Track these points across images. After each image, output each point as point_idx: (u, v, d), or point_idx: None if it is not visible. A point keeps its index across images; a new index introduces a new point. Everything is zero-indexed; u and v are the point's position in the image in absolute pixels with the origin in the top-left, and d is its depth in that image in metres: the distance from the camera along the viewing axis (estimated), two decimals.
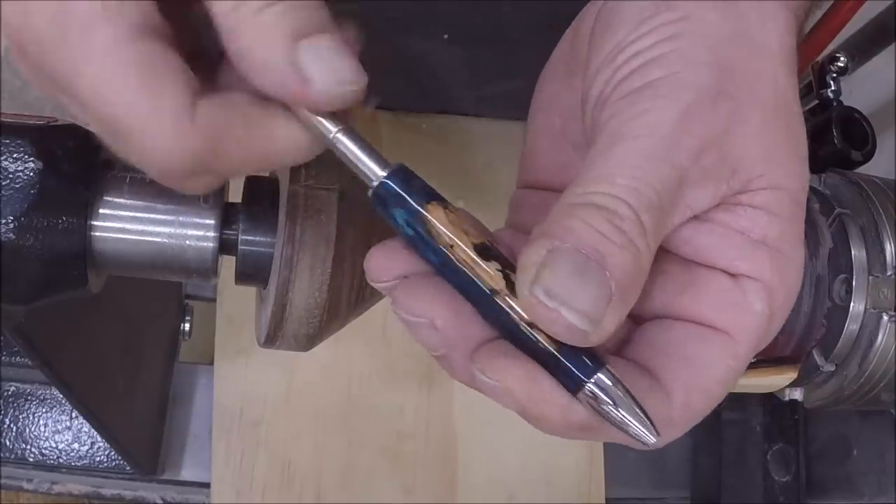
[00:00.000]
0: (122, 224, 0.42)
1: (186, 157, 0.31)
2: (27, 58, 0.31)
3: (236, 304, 0.88)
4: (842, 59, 0.79)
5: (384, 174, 0.33)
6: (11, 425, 0.83)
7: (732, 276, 0.34)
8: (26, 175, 0.40)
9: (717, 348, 0.33)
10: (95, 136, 0.33)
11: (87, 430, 0.84)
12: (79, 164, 0.41)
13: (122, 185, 0.42)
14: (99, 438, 0.83)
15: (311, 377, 0.88)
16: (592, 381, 0.31)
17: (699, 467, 0.93)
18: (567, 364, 0.31)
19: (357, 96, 0.32)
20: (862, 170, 0.67)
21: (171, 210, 0.42)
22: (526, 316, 0.31)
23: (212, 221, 0.43)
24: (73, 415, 0.84)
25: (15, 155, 0.40)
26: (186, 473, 0.87)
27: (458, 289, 0.32)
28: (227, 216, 0.44)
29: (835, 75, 0.78)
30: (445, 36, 0.81)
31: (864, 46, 0.83)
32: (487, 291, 0.32)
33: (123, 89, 0.30)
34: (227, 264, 0.45)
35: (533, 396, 0.31)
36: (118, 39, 0.29)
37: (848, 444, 0.94)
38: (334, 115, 0.33)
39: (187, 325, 0.90)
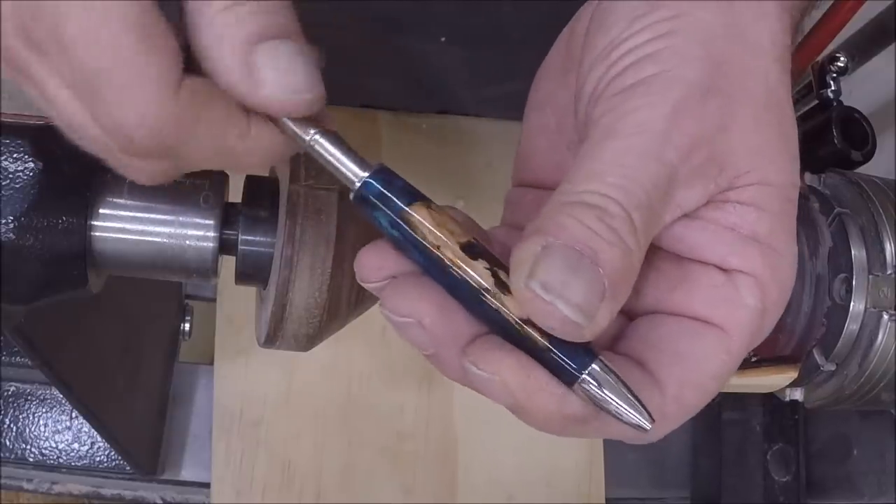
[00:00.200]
0: (122, 224, 0.42)
1: (158, 126, 0.30)
2: None
3: (236, 304, 0.88)
4: (842, 59, 0.79)
5: (365, 175, 0.32)
6: (11, 425, 0.83)
7: (725, 271, 0.34)
8: (26, 175, 0.40)
9: (711, 343, 0.33)
10: None
11: (87, 430, 0.84)
12: (79, 164, 0.41)
13: (122, 185, 0.42)
14: (99, 438, 0.83)
15: (311, 377, 0.88)
16: (587, 371, 0.31)
17: (699, 467, 0.93)
18: (561, 356, 0.31)
19: (311, 106, 0.31)
20: (862, 170, 0.67)
21: (171, 210, 0.42)
22: (517, 312, 0.31)
23: (212, 221, 0.43)
24: (73, 415, 0.84)
25: (15, 155, 0.40)
26: (186, 473, 0.87)
27: (447, 288, 0.32)
28: (227, 216, 0.44)
29: (835, 75, 0.78)
30: (443, 39, 0.81)
31: (864, 46, 0.83)
32: (476, 289, 0.32)
33: (118, 36, 0.29)
34: (227, 264, 0.45)
35: (528, 387, 0.31)
36: None
37: (848, 444, 0.94)
38: (310, 118, 0.32)
39: (187, 325, 0.90)
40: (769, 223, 0.34)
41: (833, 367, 0.54)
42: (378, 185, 0.32)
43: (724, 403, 0.90)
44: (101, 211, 0.42)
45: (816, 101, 0.79)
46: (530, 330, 0.31)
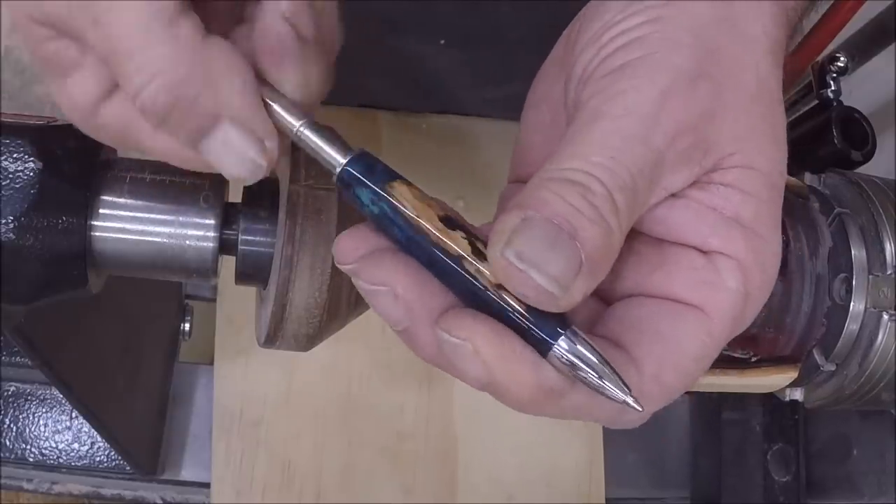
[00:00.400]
0: (122, 224, 0.42)
1: (177, 77, 0.32)
2: None
3: (236, 304, 0.88)
4: (842, 59, 0.79)
5: (349, 157, 0.34)
6: (11, 425, 0.83)
7: (705, 253, 0.34)
8: (26, 175, 0.40)
9: (691, 324, 0.33)
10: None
11: (87, 430, 0.84)
12: (79, 164, 0.41)
13: (122, 185, 0.42)
14: (99, 438, 0.83)
15: (311, 377, 0.88)
16: (562, 339, 0.31)
17: (699, 467, 0.93)
18: (535, 325, 0.31)
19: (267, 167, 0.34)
20: (862, 170, 0.67)
21: (171, 210, 0.42)
22: (494, 280, 0.31)
23: (212, 221, 0.43)
24: (73, 415, 0.84)
25: (15, 155, 0.40)
26: (186, 473, 0.87)
27: (424, 262, 0.32)
28: (227, 216, 0.44)
29: (835, 75, 0.79)
30: (442, 41, 0.81)
31: (864, 46, 0.83)
32: (454, 258, 0.32)
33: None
34: (227, 264, 0.45)
35: (502, 354, 0.30)
36: None
37: (848, 444, 0.94)
38: (298, 110, 0.34)
39: (187, 325, 0.90)
40: (754, 208, 0.34)
41: (833, 367, 0.54)
42: (361, 166, 0.34)
43: (724, 403, 0.90)
44: (101, 211, 0.42)
45: (816, 101, 0.79)
46: (506, 296, 0.31)
